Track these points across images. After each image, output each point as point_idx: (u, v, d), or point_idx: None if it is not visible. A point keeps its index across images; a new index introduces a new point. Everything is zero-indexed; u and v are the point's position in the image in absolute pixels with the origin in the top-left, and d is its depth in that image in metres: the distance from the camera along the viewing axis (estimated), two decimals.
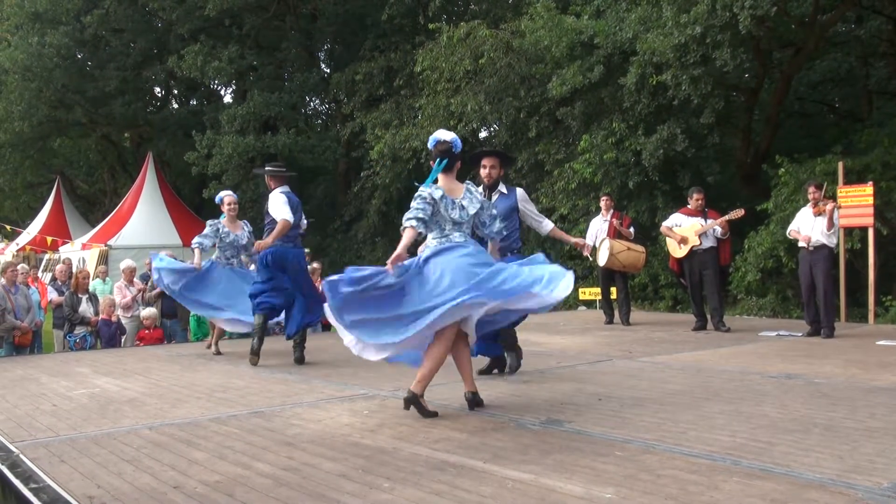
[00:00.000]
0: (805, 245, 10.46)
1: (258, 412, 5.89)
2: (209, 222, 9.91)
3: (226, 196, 9.90)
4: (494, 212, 6.21)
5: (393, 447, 4.75)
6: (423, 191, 5.86)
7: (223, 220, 9.81)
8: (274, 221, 8.73)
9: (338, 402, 6.25)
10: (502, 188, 7.33)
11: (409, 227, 5.73)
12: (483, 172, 7.26)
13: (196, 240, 9.81)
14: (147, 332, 12.12)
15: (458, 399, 6.21)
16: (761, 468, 4.15)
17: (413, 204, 5.83)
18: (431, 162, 6.05)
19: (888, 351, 8.85)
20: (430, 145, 6.13)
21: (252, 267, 10.08)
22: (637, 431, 5.05)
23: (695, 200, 11.39)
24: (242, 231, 9.82)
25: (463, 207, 5.89)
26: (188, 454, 4.67)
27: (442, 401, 6.20)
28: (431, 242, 5.82)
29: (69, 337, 11.80)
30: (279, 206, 8.76)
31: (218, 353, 9.84)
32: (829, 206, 10.20)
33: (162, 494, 3.92)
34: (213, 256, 9.94)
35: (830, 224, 10.17)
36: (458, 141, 6.12)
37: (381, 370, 8.05)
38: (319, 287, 10.66)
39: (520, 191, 7.49)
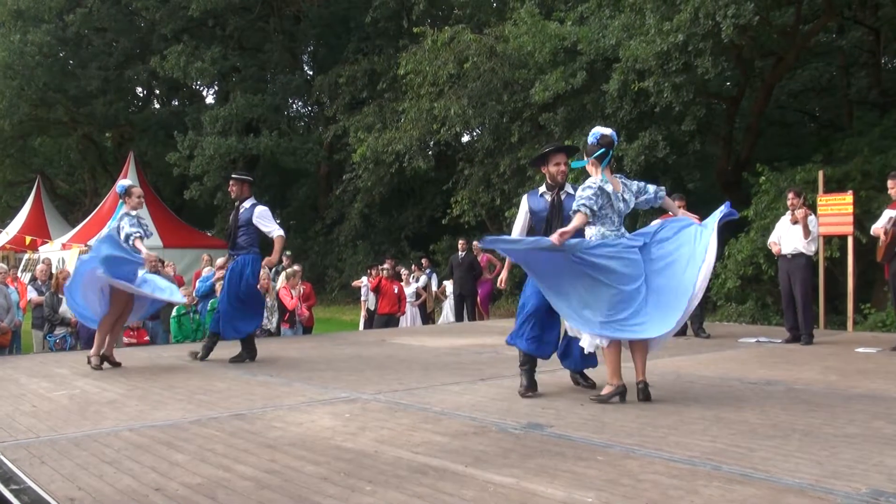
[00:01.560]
0: (784, 253, 10.53)
1: (239, 414, 5.86)
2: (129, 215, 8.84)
3: (134, 188, 9.34)
4: (641, 185, 6.50)
5: (374, 451, 4.73)
6: (594, 182, 6.14)
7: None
8: (253, 231, 9.13)
9: (319, 406, 6.22)
10: (569, 188, 6.86)
11: (581, 212, 6.08)
12: (554, 169, 6.82)
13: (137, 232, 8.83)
14: (132, 332, 12.01)
15: (438, 402, 6.25)
16: (741, 473, 4.17)
17: (585, 193, 6.12)
18: (590, 167, 6.33)
19: (867, 358, 8.91)
20: (591, 140, 6.36)
21: None
22: (618, 436, 5.06)
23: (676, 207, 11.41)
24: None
25: (625, 201, 6.27)
26: (169, 456, 4.64)
27: (422, 404, 6.22)
28: (610, 234, 6.19)
29: (49, 337, 11.70)
30: (272, 219, 9.26)
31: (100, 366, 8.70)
32: (801, 212, 10.24)
33: (143, 497, 3.89)
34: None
35: (807, 232, 10.21)
36: (615, 135, 6.48)
37: (362, 374, 8.05)
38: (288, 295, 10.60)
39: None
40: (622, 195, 6.27)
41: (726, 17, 13.46)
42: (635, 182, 6.49)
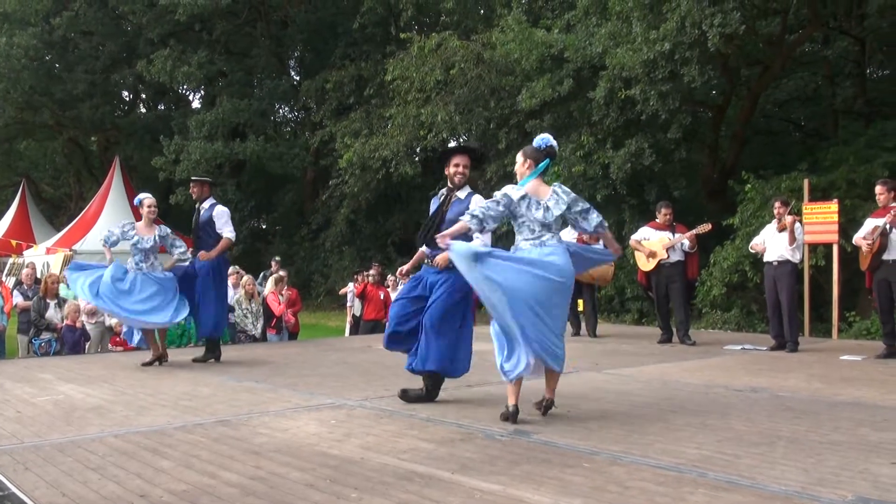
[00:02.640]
0: (769, 260, 10.59)
1: (224, 421, 5.83)
2: (122, 224, 9.52)
3: (145, 199, 9.63)
4: (582, 206, 5.84)
5: (360, 457, 4.71)
6: (499, 191, 5.84)
7: (141, 223, 9.38)
8: (213, 233, 9.38)
9: (304, 412, 6.20)
10: (461, 193, 6.61)
11: (463, 219, 5.77)
12: (452, 171, 6.62)
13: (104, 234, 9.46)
14: (119, 338, 11.95)
15: (424, 409, 6.24)
16: (727, 480, 4.17)
17: (485, 202, 5.87)
18: (524, 168, 5.94)
19: (851, 366, 8.95)
20: (542, 144, 5.99)
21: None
22: (604, 443, 5.05)
23: (663, 215, 11.47)
24: (151, 235, 9.31)
25: (548, 208, 5.75)
26: (154, 463, 4.61)
27: (408, 410, 6.20)
28: (524, 245, 5.77)
29: (35, 341, 11.63)
30: (229, 222, 9.48)
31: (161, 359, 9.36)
32: (789, 219, 10.30)
33: (128, 503, 3.88)
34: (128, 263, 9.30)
35: (792, 239, 10.27)
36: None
37: (348, 380, 8.02)
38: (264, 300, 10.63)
39: (476, 197, 6.57)
40: (546, 203, 5.77)
41: (713, 27, 13.53)
42: (580, 201, 5.88)
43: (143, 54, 30.29)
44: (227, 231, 9.34)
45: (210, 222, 9.34)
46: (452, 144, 6.66)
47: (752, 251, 11.29)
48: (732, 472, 4.32)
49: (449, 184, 6.67)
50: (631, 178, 17.03)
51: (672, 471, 4.38)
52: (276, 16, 32.22)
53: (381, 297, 14.88)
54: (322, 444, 5.07)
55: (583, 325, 12.80)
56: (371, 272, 15.18)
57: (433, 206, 6.77)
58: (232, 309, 12.14)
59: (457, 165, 6.60)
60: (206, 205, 9.45)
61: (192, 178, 10.01)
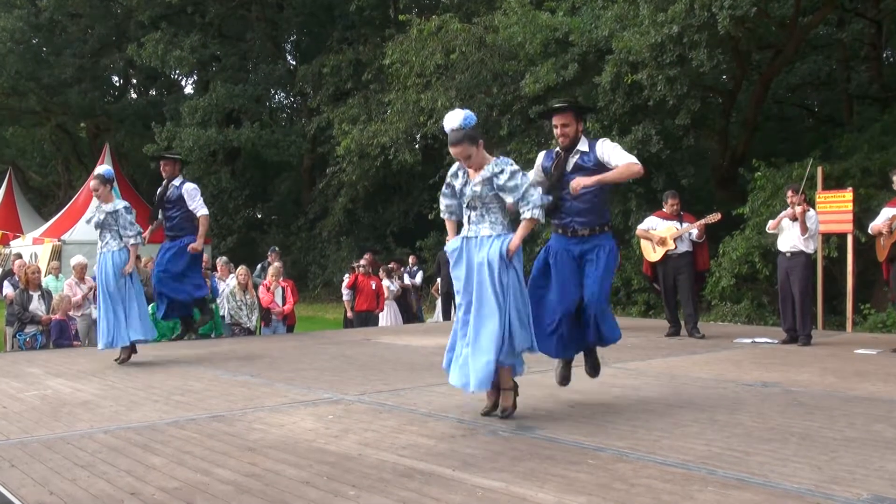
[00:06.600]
0: (783, 251, 10.39)
1: (218, 416, 5.77)
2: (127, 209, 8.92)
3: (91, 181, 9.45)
4: (513, 182, 5.35)
5: (358, 453, 4.65)
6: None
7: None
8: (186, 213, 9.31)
9: (301, 407, 6.13)
10: (582, 146, 5.86)
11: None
12: (555, 133, 5.94)
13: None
14: None
15: (425, 404, 6.17)
16: (737, 478, 4.11)
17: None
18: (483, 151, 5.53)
19: (866, 360, 8.86)
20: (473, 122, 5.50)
21: None
22: (610, 439, 4.99)
23: (670, 205, 11.29)
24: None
25: (473, 191, 5.45)
26: (145, 459, 4.55)
27: (408, 405, 6.13)
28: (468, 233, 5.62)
29: (19, 336, 11.43)
30: (200, 198, 9.44)
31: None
32: (799, 209, 10.11)
33: (118, 502, 3.81)
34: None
35: (804, 229, 10.08)
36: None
37: (345, 374, 7.97)
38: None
39: (605, 143, 5.87)
40: (475, 182, 5.44)
41: (723, 9, 13.33)
42: (513, 174, 5.41)
43: (134, 38, 30.15)
44: (201, 209, 9.28)
45: (180, 199, 9.27)
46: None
47: (769, 231, 11.07)
48: (742, 470, 4.27)
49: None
50: None
51: (680, 468, 4.32)
52: None
53: (373, 286, 14.72)
54: (319, 440, 5.01)
55: None
56: (361, 262, 15.02)
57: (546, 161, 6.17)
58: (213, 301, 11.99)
59: (555, 126, 5.95)
60: (175, 182, 9.39)
61: (165, 155, 10.00)
